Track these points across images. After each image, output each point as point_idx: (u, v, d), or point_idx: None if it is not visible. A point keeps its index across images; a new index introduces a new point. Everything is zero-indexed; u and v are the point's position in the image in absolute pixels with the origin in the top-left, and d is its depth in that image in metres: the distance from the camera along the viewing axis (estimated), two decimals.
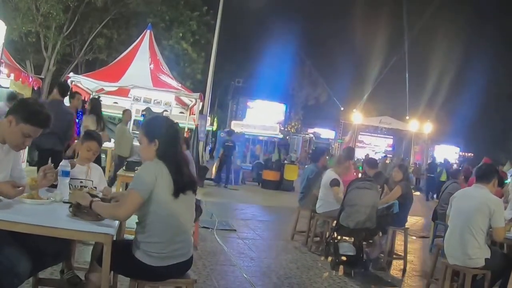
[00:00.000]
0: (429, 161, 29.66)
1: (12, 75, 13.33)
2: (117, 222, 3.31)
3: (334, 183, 7.66)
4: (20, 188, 3.25)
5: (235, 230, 8.91)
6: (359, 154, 34.61)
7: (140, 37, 16.50)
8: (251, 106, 38.30)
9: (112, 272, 3.62)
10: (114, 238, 3.27)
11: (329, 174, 7.82)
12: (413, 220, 13.00)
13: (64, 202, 3.49)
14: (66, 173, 3.80)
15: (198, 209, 6.81)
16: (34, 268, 3.24)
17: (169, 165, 3.30)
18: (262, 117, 35.61)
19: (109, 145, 12.73)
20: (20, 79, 13.77)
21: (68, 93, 8.48)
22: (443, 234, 5.54)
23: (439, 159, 29.20)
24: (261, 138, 29.64)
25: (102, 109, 16.03)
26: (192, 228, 3.61)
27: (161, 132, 3.43)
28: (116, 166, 10.56)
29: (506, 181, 9.83)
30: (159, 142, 3.37)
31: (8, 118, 3.34)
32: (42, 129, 3.42)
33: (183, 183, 3.33)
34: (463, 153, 45.06)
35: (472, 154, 40.43)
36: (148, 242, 3.27)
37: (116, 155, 10.67)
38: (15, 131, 3.32)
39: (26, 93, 15.24)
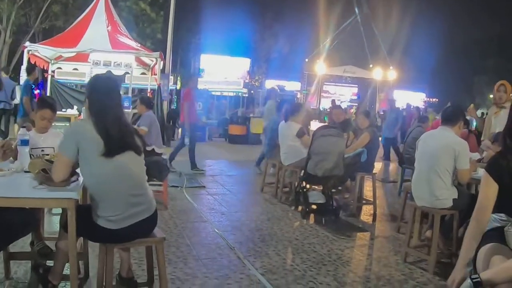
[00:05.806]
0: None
1: None
2: (80, 187, 3.25)
3: (301, 133, 7.69)
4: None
5: (204, 186, 8.95)
6: (325, 104, 34.74)
7: None
8: (206, 59, 37.64)
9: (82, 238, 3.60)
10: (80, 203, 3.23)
11: (292, 126, 7.82)
12: (380, 166, 13.19)
13: (25, 172, 3.43)
14: (25, 142, 3.71)
15: (165, 169, 6.77)
16: (3, 243, 3.20)
17: (97, 123, 3.14)
18: (225, 72, 35.31)
19: (72, 112, 12.53)
20: None
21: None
22: (411, 178, 5.60)
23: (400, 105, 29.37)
24: (225, 94, 29.43)
25: (63, 77, 15.85)
26: (152, 187, 3.52)
27: (90, 90, 3.38)
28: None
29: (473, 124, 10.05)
30: (88, 100, 3.31)
31: None
32: None
33: (115, 143, 3.15)
34: (428, 99, 45.40)
35: (437, 99, 40.82)
36: (101, 207, 3.17)
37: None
38: None
39: None
